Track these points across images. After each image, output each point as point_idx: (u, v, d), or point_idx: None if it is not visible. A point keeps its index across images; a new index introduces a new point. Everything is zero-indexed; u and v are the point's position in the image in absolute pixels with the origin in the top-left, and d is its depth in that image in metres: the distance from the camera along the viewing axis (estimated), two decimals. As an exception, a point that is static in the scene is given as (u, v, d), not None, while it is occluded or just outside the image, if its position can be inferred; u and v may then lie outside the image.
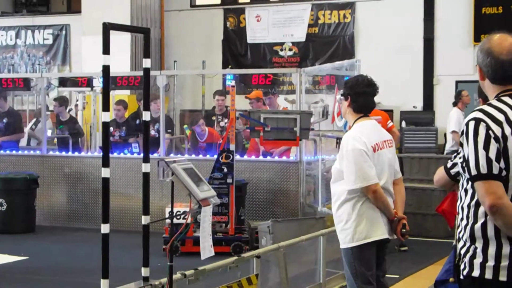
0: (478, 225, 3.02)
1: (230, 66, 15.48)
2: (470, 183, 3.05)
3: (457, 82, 14.30)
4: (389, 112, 13.75)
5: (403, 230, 4.75)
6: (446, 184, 3.84)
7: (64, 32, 17.71)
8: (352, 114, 4.93)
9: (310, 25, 15.52)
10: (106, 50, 3.98)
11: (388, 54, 14.56)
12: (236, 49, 16.22)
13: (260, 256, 5.45)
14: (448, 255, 3.40)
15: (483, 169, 2.93)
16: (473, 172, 2.96)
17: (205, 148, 10.86)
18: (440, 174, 3.83)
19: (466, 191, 3.11)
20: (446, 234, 9.73)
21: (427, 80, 14.65)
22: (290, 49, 15.80)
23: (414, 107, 14.55)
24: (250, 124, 9.07)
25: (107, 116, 4.32)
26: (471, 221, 3.04)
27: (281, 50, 15.85)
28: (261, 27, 15.96)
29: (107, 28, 3.97)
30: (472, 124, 2.99)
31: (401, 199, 4.92)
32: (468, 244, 3.07)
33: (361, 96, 4.86)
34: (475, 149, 2.95)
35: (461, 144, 3.06)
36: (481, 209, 3.02)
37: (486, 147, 2.93)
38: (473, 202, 3.06)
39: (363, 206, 4.70)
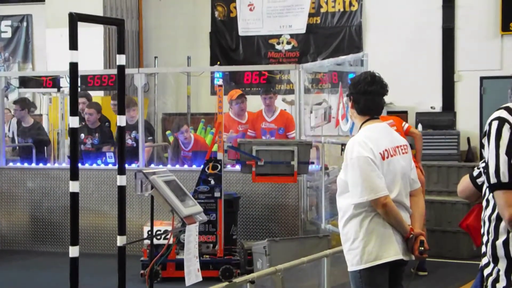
0: (499, 242, 3.03)
1: (219, 63, 15.49)
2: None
3: (481, 79, 14.32)
4: (403, 114, 13.79)
5: (420, 248, 4.73)
6: (471, 196, 3.84)
7: (25, 23, 17.68)
8: (357, 117, 4.94)
9: (311, 15, 15.54)
10: (73, 45, 4.00)
11: (401, 47, 14.58)
12: (226, 42, 16.24)
13: (254, 281, 5.44)
14: (473, 279, 3.40)
15: (504, 177, 2.94)
16: (493, 180, 2.97)
17: (191, 158, 10.87)
18: (464, 184, 3.84)
19: (487, 201, 3.11)
20: (470, 254, 9.75)
21: (447, 77, 14.66)
22: (288, 43, 15.82)
23: (432, 107, 14.56)
24: (241, 157, 9.15)
25: (76, 121, 4.33)
26: (491, 237, 3.05)
27: (278, 43, 15.88)
28: (254, 17, 15.99)
29: (74, 19, 3.99)
30: (495, 125, 3.00)
31: (419, 213, 4.91)
32: (491, 264, 3.06)
33: (363, 96, 4.87)
34: (496, 153, 2.96)
35: (482, 146, 3.07)
36: (503, 224, 3.02)
37: (510, 152, 2.94)
38: (494, 215, 3.06)
39: (372, 222, 4.70)
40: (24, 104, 12.38)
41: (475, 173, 3.76)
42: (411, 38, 14.56)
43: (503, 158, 2.94)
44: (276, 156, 9.10)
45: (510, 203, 2.92)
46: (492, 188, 2.99)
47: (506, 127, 2.97)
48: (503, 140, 2.96)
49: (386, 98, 5.00)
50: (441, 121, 13.98)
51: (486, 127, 3.05)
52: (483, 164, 3.12)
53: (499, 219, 3.03)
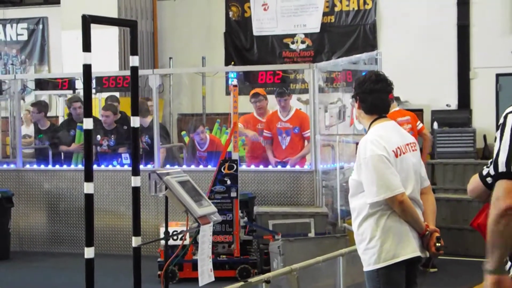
0: None
1: (233, 63, 15.50)
2: None
3: (497, 76, 14.27)
4: (419, 111, 13.74)
5: (437, 244, 4.73)
6: (481, 195, 3.84)
7: (41, 26, 17.77)
8: (365, 117, 4.93)
9: (325, 13, 15.54)
10: (86, 46, 4.02)
11: (416, 45, 14.55)
12: (240, 42, 16.26)
13: (270, 281, 5.45)
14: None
15: None
16: (501, 168, 3.01)
17: (206, 158, 10.90)
18: (474, 183, 3.83)
19: None
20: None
21: (462, 74, 14.62)
22: (302, 42, 15.82)
23: (447, 105, 14.53)
24: (258, 232, 9.18)
25: (90, 123, 4.36)
26: None
27: (292, 43, 15.88)
28: (268, 16, 16.00)
29: (87, 21, 4.02)
30: (511, 117, 3.02)
31: (431, 210, 4.90)
32: (509, 262, 3.08)
33: (369, 95, 4.87)
34: (510, 144, 2.98)
35: (495, 139, 3.09)
36: None
37: None
38: None
39: (389, 220, 4.68)
40: (41, 107, 12.43)
41: (485, 172, 3.76)
42: (425, 36, 14.52)
43: None
44: (292, 228, 9.15)
45: (510, 191, 2.94)
46: (499, 176, 3.01)
47: None
48: None
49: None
50: (457, 118, 13.95)
51: (501, 120, 3.08)
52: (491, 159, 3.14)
53: None
